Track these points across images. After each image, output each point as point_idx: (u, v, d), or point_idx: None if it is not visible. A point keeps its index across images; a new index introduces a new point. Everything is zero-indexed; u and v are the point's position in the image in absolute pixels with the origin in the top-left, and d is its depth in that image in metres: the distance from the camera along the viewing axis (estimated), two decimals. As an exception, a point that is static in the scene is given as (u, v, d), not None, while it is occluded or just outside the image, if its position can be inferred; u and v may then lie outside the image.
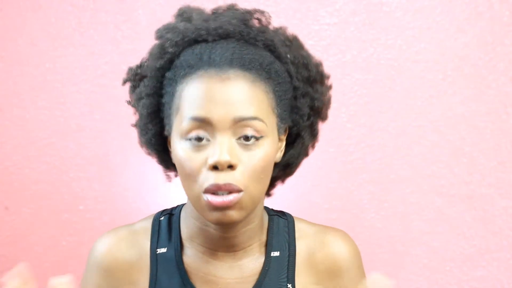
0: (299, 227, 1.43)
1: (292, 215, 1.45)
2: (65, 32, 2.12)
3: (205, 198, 1.28)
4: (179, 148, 1.31)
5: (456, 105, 2.07)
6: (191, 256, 1.39)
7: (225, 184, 1.27)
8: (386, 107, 2.08)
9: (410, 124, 2.07)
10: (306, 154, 1.45)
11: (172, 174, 1.46)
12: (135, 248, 1.40)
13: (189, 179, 1.29)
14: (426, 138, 2.07)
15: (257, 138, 1.30)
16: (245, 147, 1.29)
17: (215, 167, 1.27)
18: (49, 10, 2.12)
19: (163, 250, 1.39)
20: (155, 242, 1.40)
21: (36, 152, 2.13)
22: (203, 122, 1.29)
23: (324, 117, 1.44)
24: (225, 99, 1.29)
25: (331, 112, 2.06)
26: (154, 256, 1.39)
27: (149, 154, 1.43)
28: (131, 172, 2.10)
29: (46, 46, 2.12)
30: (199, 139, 1.29)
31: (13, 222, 2.13)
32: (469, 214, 2.06)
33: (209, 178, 1.28)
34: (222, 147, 1.27)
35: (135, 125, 1.44)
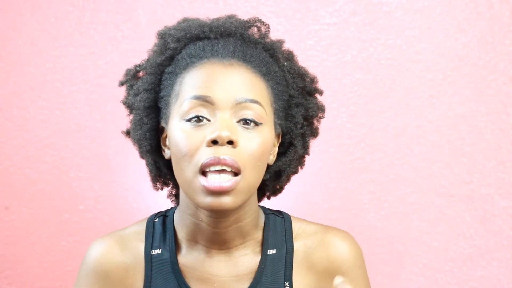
0: (296, 226, 1.42)
1: (290, 214, 1.45)
2: (65, 32, 2.12)
3: (201, 183, 1.27)
4: (178, 129, 1.31)
5: (456, 105, 2.07)
6: (186, 255, 1.38)
7: (224, 158, 1.26)
8: (386, 107, 2.08)
9: (410, 124, 2.07)
10: (296, 170, 1.45)
11: (159, 185, 1.45)
12: (129, 251, 1.39)
13: (185, 159, 1.29)
14: (426, 138, 2.07)
15: (256, 124, 1.31)
16: (245, 130, 1.30)
17: (214, 142, 1.27)
18: (49, 10, 2.12)
19: (158, 251, 1.39)
20: (150, 243, 1.39)
21: (36, 152, 2.13)
22: (205, 101, 1.29)
23: (315, 133, 1.45)
24: (227, 82, 1.31)
25: (331, 112, 2.07)
26: (148, 258, 1.38)
27: (141, 153, 1.42)
28: (131, 172, 2.10)
29: (46, 46, 2.12)
30: (199, 119, 1.29)
31: (13, 222, 2.13)
32: (469, 214, 2.07)
33: (207, 153, 1.27)
34: (223, 123, 1.28)
35: (127, 132, 1.44)
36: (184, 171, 1.30)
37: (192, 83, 1.32)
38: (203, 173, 1.28)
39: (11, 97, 2.13)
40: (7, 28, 2.12)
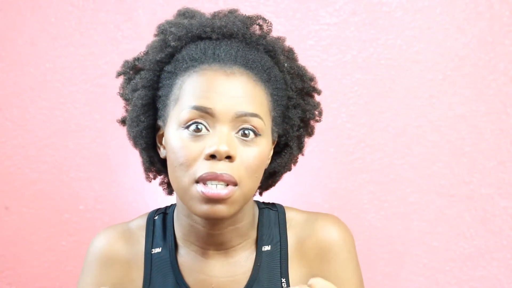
0: (289, 217, 1.42)
1: (283, 205, 1.44)
2: (65, 32, 2.12)
3: (198, 189, 1.27)
4: (176, 136, 1.30)
5: (456, 105, 2.07)
6: (185, 255, 1.38)
7: (222, 174, 1.26)
8: (386, 107, 2.08)
9: (410, 124, 2.07)
10: (290, 168, 1.45)
11: (152, 175, 1.45)
12: (132, 245, 1.40)
13: (181, 168, 1.28)
14: (426, 138, 2.07)
15: (255, 134, 1.30)
16: (243, 142, 1.29)
17: (212, 156, 1.27)
18: (49, 10, 2.12)
19: (158, 250, 1.39)
20: (150, 241, 1.40)
21: (36, 152, 2.13)
22: (205, 113, 1.29)
23: (311, 132, 1.45)
24: (229, 93, 1.30)
25: (331, 112, 2.07)
26: (148, 256, 1.39)
27: (135, 148, 1.42)
28: (131, 172, 2.10)
29: (46, 46, 2.12)
30: (198, 129, 1.29)
31: (13, 222, 2.13)
32: (469, 214, 2.06)
33: (205, 167, 1.27)
34: (221, 137, 1.27)
35: (122, 121, 1.44)
36: (180, 179, 1.29)
37: (192, 92, 1.31)
38: (199, 181, 1.28)
39: (11, 97, 2.13)
40: (7, 28, 2.12)
